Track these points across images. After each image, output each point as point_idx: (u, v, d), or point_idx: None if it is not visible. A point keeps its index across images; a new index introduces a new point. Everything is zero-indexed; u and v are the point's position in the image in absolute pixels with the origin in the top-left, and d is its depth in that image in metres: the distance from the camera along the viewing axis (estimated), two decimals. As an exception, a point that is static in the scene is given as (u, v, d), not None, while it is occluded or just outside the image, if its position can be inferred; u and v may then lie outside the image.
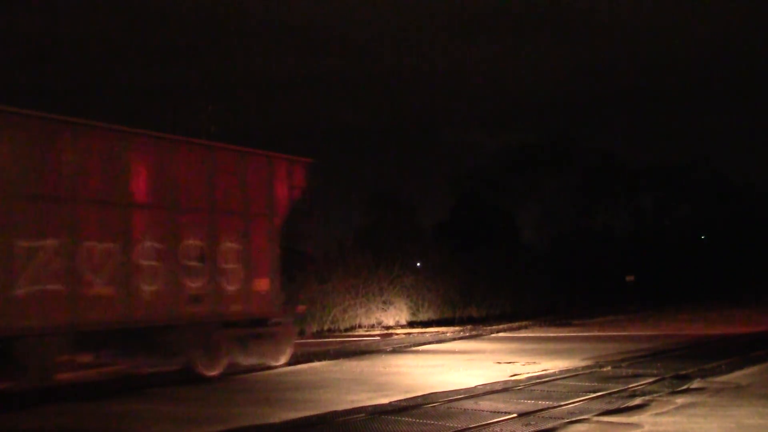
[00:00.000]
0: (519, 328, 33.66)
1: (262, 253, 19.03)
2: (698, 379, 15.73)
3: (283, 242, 19.72)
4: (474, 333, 31.39)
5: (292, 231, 19.95)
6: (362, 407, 13.36)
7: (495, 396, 14.40)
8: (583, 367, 18.36)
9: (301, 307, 21.00)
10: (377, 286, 37.59)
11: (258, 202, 19.09)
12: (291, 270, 40.16)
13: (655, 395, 14.01)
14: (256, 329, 18.98)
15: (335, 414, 12.82)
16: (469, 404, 13.52)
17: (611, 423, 11.79)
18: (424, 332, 33.09)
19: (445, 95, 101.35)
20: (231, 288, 18.14)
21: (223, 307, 17.98)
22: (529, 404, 13.37)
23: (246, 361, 18.86)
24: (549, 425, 11.68)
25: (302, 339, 29.84)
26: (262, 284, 19.00)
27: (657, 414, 12.33)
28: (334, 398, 14.46)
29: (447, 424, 11.79)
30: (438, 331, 33.01)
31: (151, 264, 16.50)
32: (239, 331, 18.54)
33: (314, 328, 35.01)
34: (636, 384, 15.28)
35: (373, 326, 36.83)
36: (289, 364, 20.52)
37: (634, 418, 12.01)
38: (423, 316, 39.58)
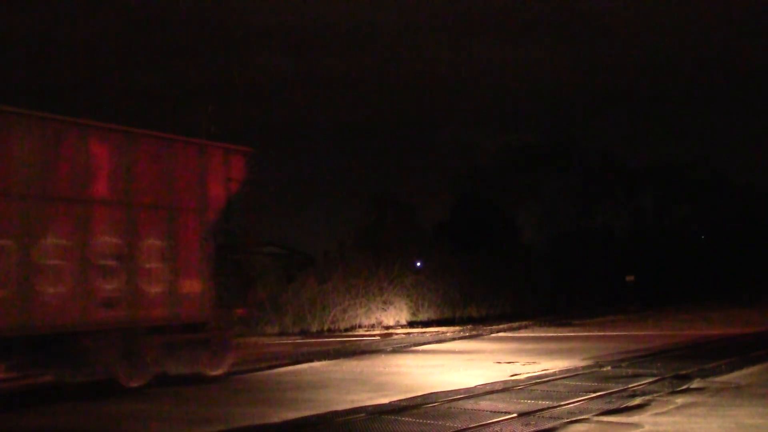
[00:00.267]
0: (519, 328, 33.67)
1: (192, 252, 17.24)
2: (698, 379, 15.74)
3: (221, 239, 18.01)
4: (474, 333, 31.39)
5: (228, 228, 18.24)
6: (362, 407, 13.36)
7: (495, 396, 14.41)
8: (583, 367, 18.36)
9: (241, 310, 18.85)
10: (377, 286, 37.60)
11: (187, 194, 17.27)
12: (291, 270, 40.14)
13: (655, 395, 14.01)
14: (187, 335, 17.21)
15: (335, 414, 12.82)
16: (469, 404, 13.52)
17: (611, 423, 11.80)
18: (424, 332, 33.09)
19: (445, 95, 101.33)
20: (153, 290, 16.33)
21: (144, 311, 16.15)
22: (529, 404, 13.37)
23: (178, 370, 17.12)
24: (549, 425, 11.68)
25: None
26: (192, 285, 17.16)
27: (657, 414, 12.34)
28: (334, 398, 14.46)
29: (447, 424, 11.80)
30: (438, 331, 33.02)
31: (56, 263, 14.72)
32: (167, 337, 16.78)
33: (314, 328, 35.08)
34: (636, 384, 15.28)
35: (373, 326, 36.84)
36: (289, 364, 20.52)
37: (634, 418, 12.01)
38: (423, 316, 39.60)
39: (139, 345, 16.23)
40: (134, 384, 16.04)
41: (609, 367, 18.17)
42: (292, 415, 12.84)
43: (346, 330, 35.45)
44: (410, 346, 25.87)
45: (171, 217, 16.94)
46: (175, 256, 16.87)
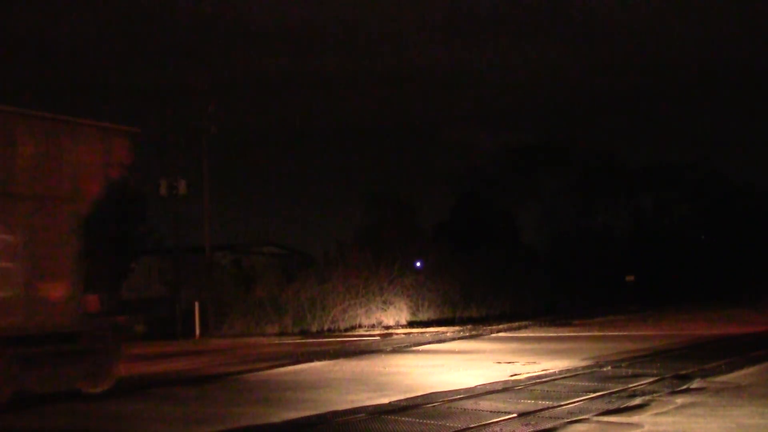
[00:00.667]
0: (519, 328, 33.67)
1: (57, 249, 14.79)
2: (698, 379, 15.73)
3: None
4: (474, 333, 31.39)
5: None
6: (362, 407, 13.35)
7: (495, 396, 14.39)
8: (583, 367, 18.35)
9: (122, 318, 16.34)
10: (377, 286, 37.62)
11: (52, 181, 14.87)
12: (291, 270, 40.15)
13: (655, 395, 14.00)
14: (53, 347, 14.66)
15: (335, 414, 12.81)
16: (469, 404, 13.51)
17: (611, 423, 11.78)
18: (424, 332, 33.09)
19: (445, 95, 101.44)
20: (1, 294, 14.00)
21: None
22: (529, 404, 13.36)
23: (44, 387, 14.55)
24: (549, 425, 11.67)
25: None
26: (57, 289, 14.76)
27: (657, 414, 12.33)
28: (334, 398, 14.45)
29: (447, 424, 11.79)
30: (438, 331, 33.02)
31: None
32: (24, 349, 14.22)
33: (314, 328, 35.09)
34: (636, 384, 15.27)
35: (373, 326, 36.85)
36: (289, 364, 20.48)
37: (634, 418, 12.00)
38: (423, 316, 39.61)
39: None
40: None
41: (609, 367, 18.15)
42: (292, 415, 12.84)
43: (346, 330, 35.46)
44: (410, 346, 25.86)
45: (29, 206, 14.52)
46: (32, 253, 14.46)
